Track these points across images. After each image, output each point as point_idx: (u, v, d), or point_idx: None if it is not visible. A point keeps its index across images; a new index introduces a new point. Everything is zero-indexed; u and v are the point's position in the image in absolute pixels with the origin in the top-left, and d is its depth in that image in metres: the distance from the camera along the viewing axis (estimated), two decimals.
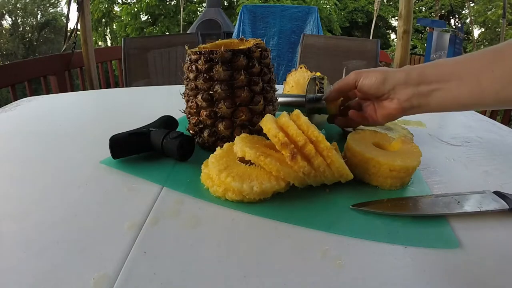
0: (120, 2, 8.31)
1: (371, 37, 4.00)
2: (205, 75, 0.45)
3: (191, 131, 0.51)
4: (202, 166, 0.42)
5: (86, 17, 2.04)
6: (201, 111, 0.47)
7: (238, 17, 2.90)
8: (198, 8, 7.67)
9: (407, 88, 0.43)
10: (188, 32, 3.95)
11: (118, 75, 2.56)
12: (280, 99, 0.58)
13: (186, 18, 7.40)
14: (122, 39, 1.57)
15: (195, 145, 0.49)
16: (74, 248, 0.31)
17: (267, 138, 0.40)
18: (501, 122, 0.73)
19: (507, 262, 0.31)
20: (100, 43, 8.66)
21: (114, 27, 8.14)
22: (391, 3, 9.37)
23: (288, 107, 0.59)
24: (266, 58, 0.48)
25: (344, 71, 0.62)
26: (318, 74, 0.64)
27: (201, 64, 0.45)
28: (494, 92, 0.37)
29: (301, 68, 0.69)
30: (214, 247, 0.31)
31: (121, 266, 0.29)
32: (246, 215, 0.36)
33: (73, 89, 2.01)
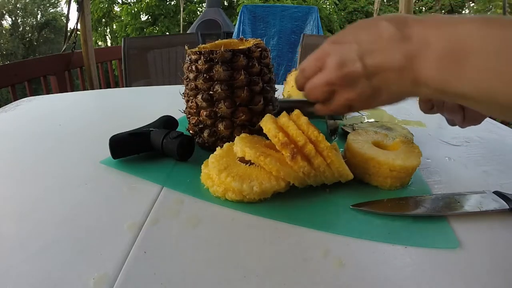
0: (120, 2, 8.30)
1: None
2: (205, 75, 0.45)
3: (191, 131, 0.51)
4: (202, 166, 0.42)
5: (86, 17, 2.04)
6: (201, 111, 0.47)
7: (238, 17, 2.90)
8: (198, 8, 7.65)
9: None
10: (188, 32, 3.94)
11: (118, 75, 2.56)
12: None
13: (186, 18, 7.39)
14: (122, 39, 1.57)
15: (195, 145, 0.49)
16: (74, 248, 0.31)
17: (267, 138, 0.40)
18: (501, 122, 0.73)
19: (507, 262, 0.31)
20: (100, 43, 8.65)
21: (114, 27, 8.13)
22: (391, 3, 9.37)
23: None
24: (266, 58, 0.48)
25: None
26: None
27: (201, 64, 0.45)
28: None
29: None
30: (214, 247, 0.31)
31: (121, 266, 0.29)
32: (246, 215, 0.36)
33: (73, 89, 2.01)
